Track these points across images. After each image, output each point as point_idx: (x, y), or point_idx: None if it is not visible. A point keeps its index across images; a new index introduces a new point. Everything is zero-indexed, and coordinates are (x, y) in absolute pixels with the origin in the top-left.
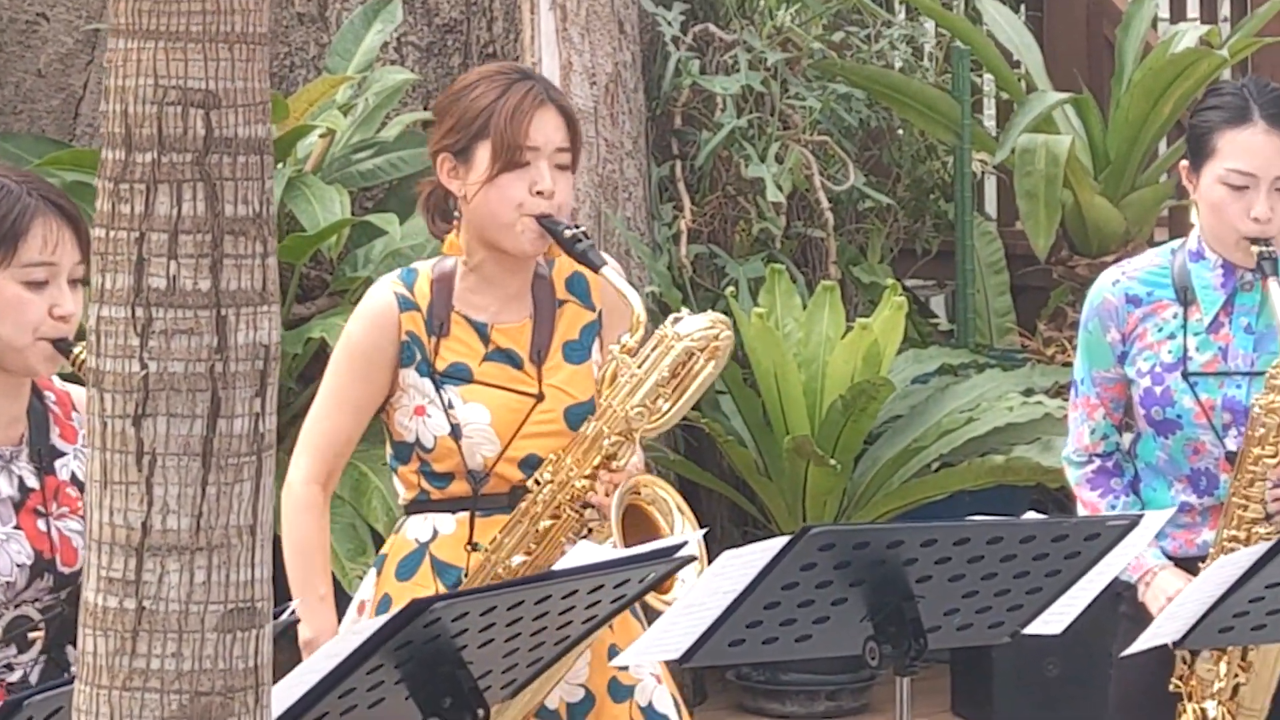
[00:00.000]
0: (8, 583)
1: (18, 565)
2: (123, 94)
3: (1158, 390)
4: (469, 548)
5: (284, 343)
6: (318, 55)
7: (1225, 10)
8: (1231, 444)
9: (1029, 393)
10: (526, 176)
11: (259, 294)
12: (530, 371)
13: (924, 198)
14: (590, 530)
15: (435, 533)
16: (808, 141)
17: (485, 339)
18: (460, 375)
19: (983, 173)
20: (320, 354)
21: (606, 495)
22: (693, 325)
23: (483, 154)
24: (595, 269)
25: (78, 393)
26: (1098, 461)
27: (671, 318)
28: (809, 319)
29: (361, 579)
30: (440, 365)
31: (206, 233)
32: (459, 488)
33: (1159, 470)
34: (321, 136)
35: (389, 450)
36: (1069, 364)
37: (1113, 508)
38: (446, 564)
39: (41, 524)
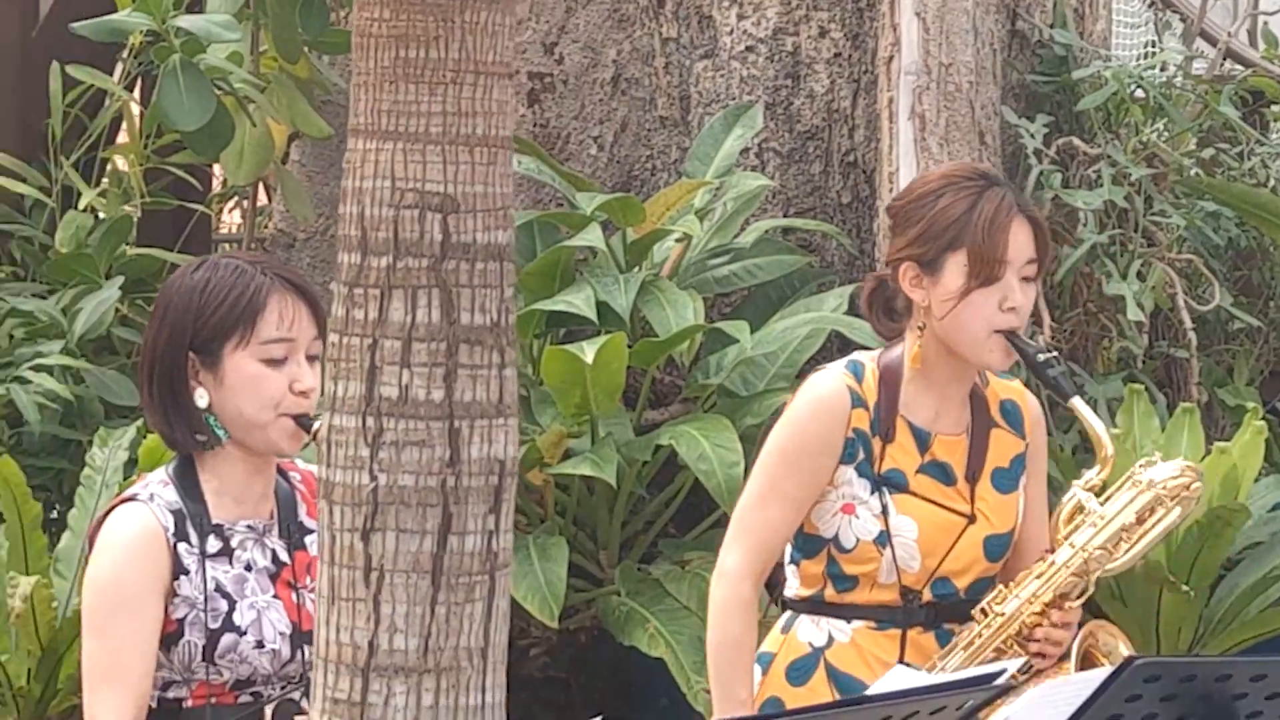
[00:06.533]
0: (274, 650)
1: (280, 633)
2: (359, 195)
3: None
4: (903, 664)
5: (634, 449)
6: (678, 159)
7: None
8: None
9: None
10: (998, 292)
11: (495, 406)
12: (963, 490)
13: None
14: (1032, 669)
15: (831, 639)
16: (1172, 259)
17: (924, 448)
18: (896, 483)
19: None
20: (670, 461)
21: (1055, 629)
22: (1166, 472)
23: (954, 267)
24: (1065, 398)
25: None
26: None
27: (1143, 461)
28: (1167, 441)
29: (708, 693)
30: (881, 468)
31: (441, 341)
32: (863, 595)
33: None
34: (678, 241)
35: (792, 541)
36: None
37: None
38: (846, 674)
39: (294, 596)
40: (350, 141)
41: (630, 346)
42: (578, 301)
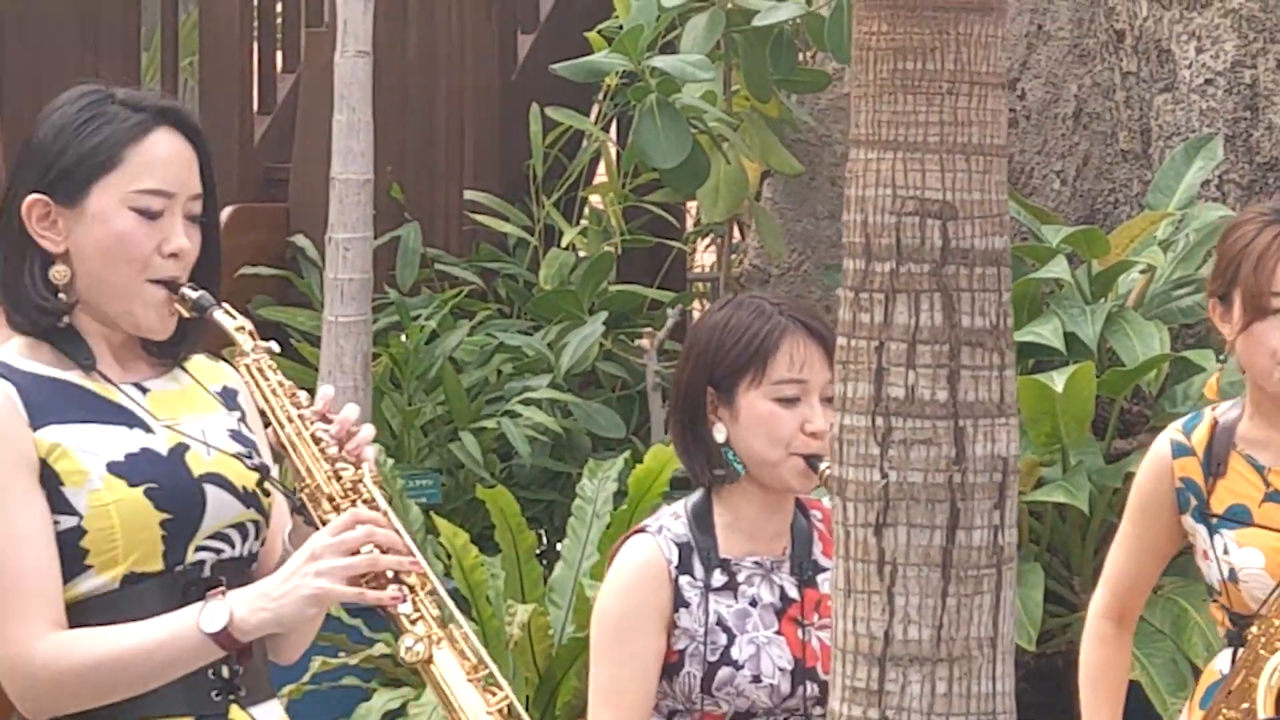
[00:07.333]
0: (772, 685)
1: (779, 669)
2: (863, 204)
3: None
4: None
5: (1105, 477)
6: (1140, 192)
7: None
8: None
9: None
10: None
11: (997, 406)
12: None
13: None
14: None
15: None
16: None
17: (1265, 480)
18: (1238, 518)
19: None
20: None
21: None
22: None
23: (1238, 301)
24: None
25: None
26: None
27: None
28: None
29: (1180, 714)
30: (1218, 507)
31: (944, 343)
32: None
33: None
34: (1142, 273)
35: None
36: None
37: None
38: None
39: (800, 633)
40: (851, 152)
41: (1098, 376)
42: (1046, 332)
